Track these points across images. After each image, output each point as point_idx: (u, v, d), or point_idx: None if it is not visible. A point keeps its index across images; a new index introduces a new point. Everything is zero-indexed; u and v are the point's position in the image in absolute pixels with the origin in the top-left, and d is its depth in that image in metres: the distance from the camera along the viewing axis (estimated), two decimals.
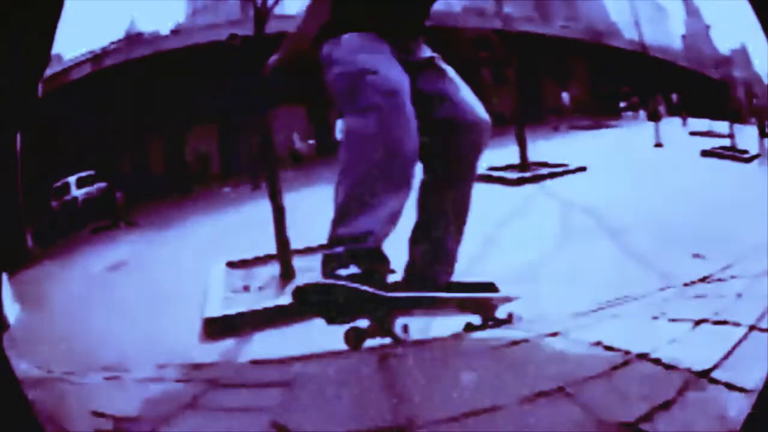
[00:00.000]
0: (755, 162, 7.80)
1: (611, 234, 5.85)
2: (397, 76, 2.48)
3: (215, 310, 5.13)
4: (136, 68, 8.01)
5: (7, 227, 4.69)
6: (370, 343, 2.66)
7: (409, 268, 2.82)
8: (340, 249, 2.41)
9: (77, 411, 2.25)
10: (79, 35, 7.53)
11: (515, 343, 2.39)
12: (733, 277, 2.84)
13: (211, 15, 8.97)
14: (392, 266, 2.55)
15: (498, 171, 8.10)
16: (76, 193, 7.78)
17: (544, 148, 8.62)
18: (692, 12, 9.40)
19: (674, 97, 9.18)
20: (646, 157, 8.22)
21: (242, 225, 7.00)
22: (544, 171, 8.30)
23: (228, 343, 4.66)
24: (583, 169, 8.23)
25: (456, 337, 2.70)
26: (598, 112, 9.83)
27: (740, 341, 2.00)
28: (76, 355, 3.76)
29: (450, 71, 2.80)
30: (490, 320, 2.83)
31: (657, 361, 1.96)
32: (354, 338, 2.62)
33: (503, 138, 7.83)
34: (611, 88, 9.78)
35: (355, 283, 2.33)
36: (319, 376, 2.30)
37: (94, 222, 7.57)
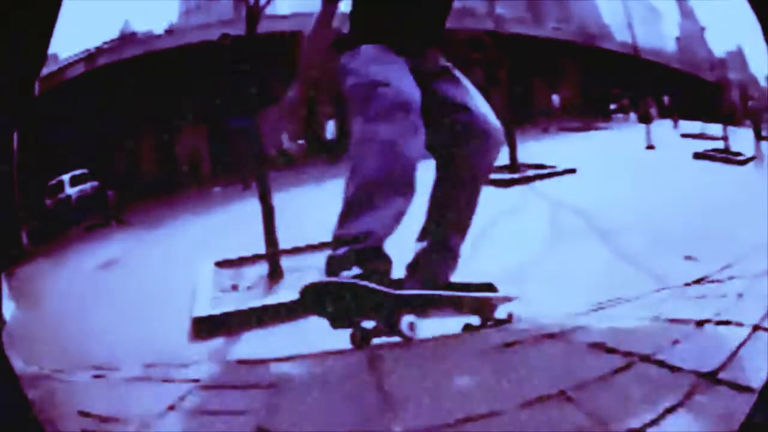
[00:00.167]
0: (750, 165, 7.80)
1: (602, 235, 5.83)
2: (409, 89, 2.59)
3: (204, 310, 5.08)
4: (129, 67, 7.98)
5: (4, 225, 4.69)
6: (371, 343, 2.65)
7: (412, 265, 2.91)
8: (342, 250, 2.49)
9: (65, 409, 2.21)
10: (72, 34, 7.49)
11: (511, 344, 2.34)
12: (732, 277, 2.81)
13: (204, 14, 8.93)
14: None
15: None
16: (70, 191, 7.77)
17: (534, 150, 8.60)
18: (687, 13, 9.41)
19: (666, 99, 9.18)
20: (638, 159, 8.22)
21: (231, 224, 6.97)
22: (534, 172, 8.28)
23: (217, 343, 4.62)
24: (572, 170, 8.22)
25: (452, 337, 2.67)
26: (588, 114, 9.84)
27: (744, 341, 1.96)
28: (65, 353, 3.73)
29: (464, 80, 2.92)
30: (489, 320, 2.88)
31: (661, 363, 1.92)
32: (360, 337, 2.66)
33: None
34: (603, 90, 9.78)
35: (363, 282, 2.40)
36: (307, 378, 2.27)
37: (88, 220, 7.56)
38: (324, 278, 2.49)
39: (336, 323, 2.54)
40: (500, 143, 2.90)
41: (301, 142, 8.70)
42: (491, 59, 8.67)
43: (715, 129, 8.36)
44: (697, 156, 8.05)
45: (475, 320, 2.87)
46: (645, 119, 9.02)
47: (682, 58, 9.42)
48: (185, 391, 2.24)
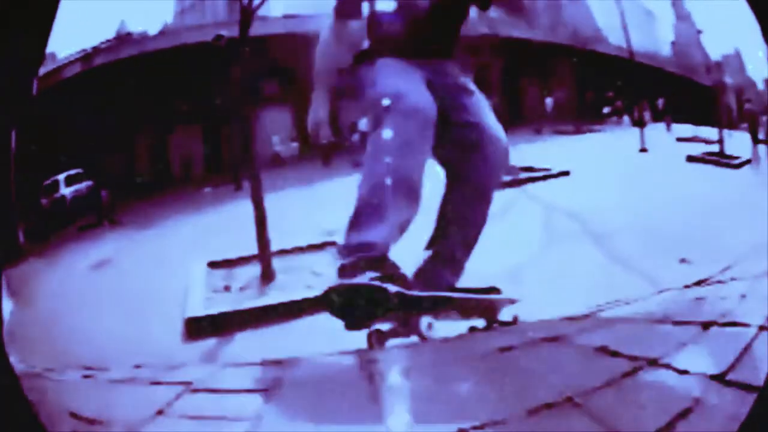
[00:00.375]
0: (745, 168, 7.79)
1: (595, 238, 5.82)
2: (423, 102, 2.63)
3: (196, 310, 5.07)
4: (124, 67, 7.95)
5: (2, 224, 4.68)
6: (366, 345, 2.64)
7: (419, 273, 2.93)
8: (350, 259, 2.54)
9: (55, 409, 2.16)
10: (68, 34, 7.46)
11: (509, 348, 2.31)
12: (733, 279, 2.79)
13: (199, 15, 8.89)
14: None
15: None
16: (65, 191, 7.76)
17: (526, 153, 8.59)
18: (683, 17, 9.41)
19: (660, 102, 9.18)
20: (631, 162, 8.21)
21: (224, 225, 6.94)
22: (528, 175, 8.27)
23: (209, 343, 4.59)
24: (566, 173, 8.22)
25: (451, 340, 2.65)
26: (581, 117, 9.84)
27: (751, 342, 1.93)
28: (57, 353, 3.69)
29: (478, 94, 3.00)
30: (494, 323, 2.92)
31: (668, 367, 1.88)
32: (377, 338, 2.72)
33: None
34: (597, 94, 9.78)
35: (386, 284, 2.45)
36: (300, 382, 2.23)
37: (82, 220, 7.55)
38: (350, 280, 2.51)
39: (354, 325, 2.55)
40: (507, 159, 2.98)
41: (294, 144, 8.66)
42: (484, 62, 8.67)
43: (711, 132, 8.36)
44: (691, 159, 8.04)
45: (479, 323, 2.90)
46: (639, 122, 9.01)
47: (677, 61, 9.43)
48: (174, 395, 2.19)
